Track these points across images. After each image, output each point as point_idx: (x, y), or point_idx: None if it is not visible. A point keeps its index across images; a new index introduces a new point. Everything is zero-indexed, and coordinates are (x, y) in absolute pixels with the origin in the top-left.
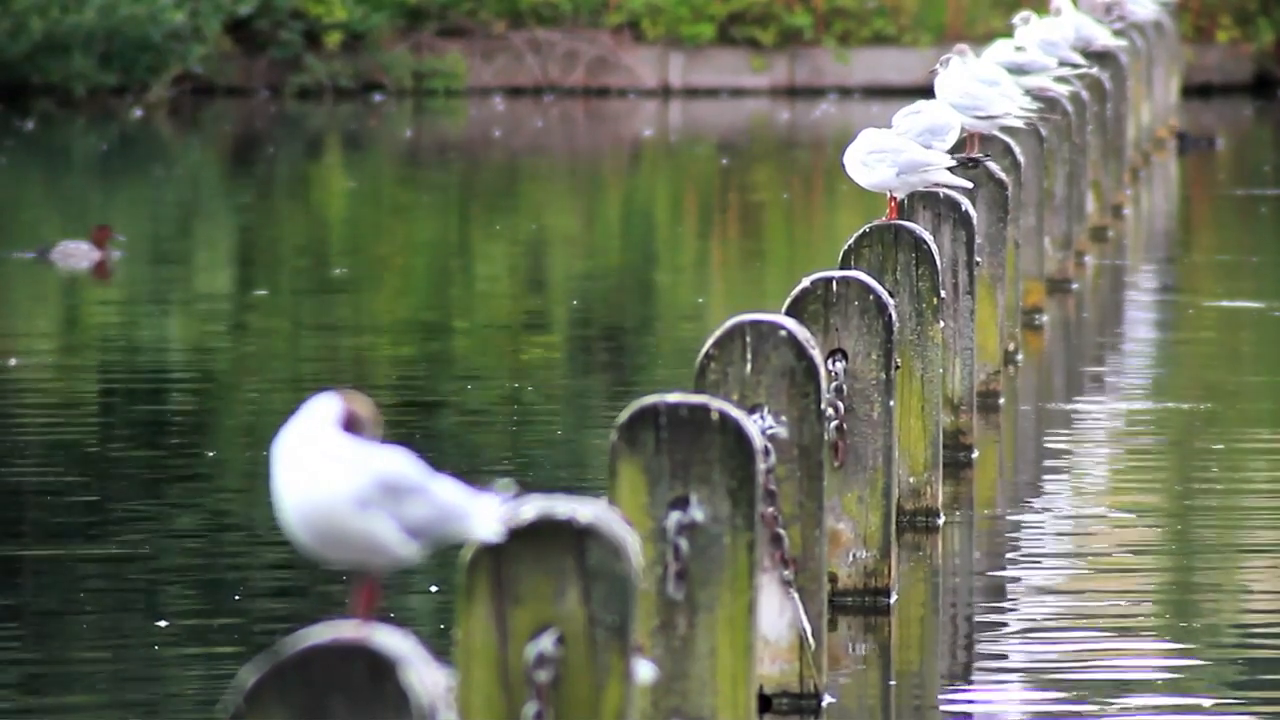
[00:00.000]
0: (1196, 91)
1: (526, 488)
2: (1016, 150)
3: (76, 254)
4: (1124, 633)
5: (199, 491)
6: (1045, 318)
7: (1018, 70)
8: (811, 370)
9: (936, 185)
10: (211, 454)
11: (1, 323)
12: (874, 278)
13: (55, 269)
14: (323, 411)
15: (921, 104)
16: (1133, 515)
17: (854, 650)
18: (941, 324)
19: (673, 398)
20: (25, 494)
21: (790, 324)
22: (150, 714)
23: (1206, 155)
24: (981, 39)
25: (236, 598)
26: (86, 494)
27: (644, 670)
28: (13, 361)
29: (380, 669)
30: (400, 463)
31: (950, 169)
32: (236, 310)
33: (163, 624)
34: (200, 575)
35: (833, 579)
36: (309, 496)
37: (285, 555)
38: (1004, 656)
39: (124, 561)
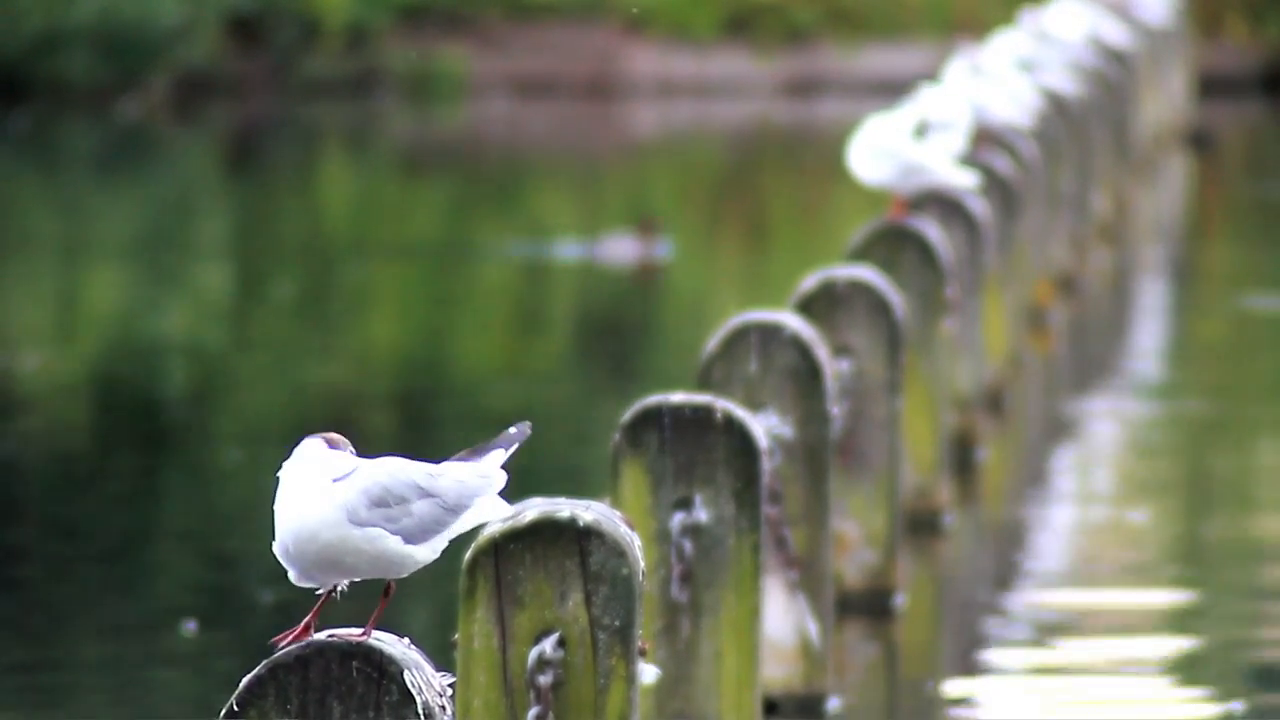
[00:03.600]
0: (1206, 88)
1: (526, 488)
2: (1025, 148)
3: (620, 249)
4: (1132, 634)
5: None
6: (1053, 316)
7: (1027, 67)
8: (817, 370)
9: (940, 185)
10: (209, 456)
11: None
12: (881, 277)
13: (601, 265)
14: (308, 452)
15: (928, 92)
16: (1141, 515)
17: (860, 652)
18: (948, 323)
19: (676, 397)
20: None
21: (796, 323)
22: (151, 715)
23: (1216, 153)
24: (987, 33)
25: (267, 599)
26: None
27: (647, 673)
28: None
29: (379, 671)
30: (389, 471)
31: (953, 169)
32: (238, 310)
33: (191, 627)
34: (210, 577)
35: (838, 580)
36: (301, 526)
37: None
38: (1011, 658)
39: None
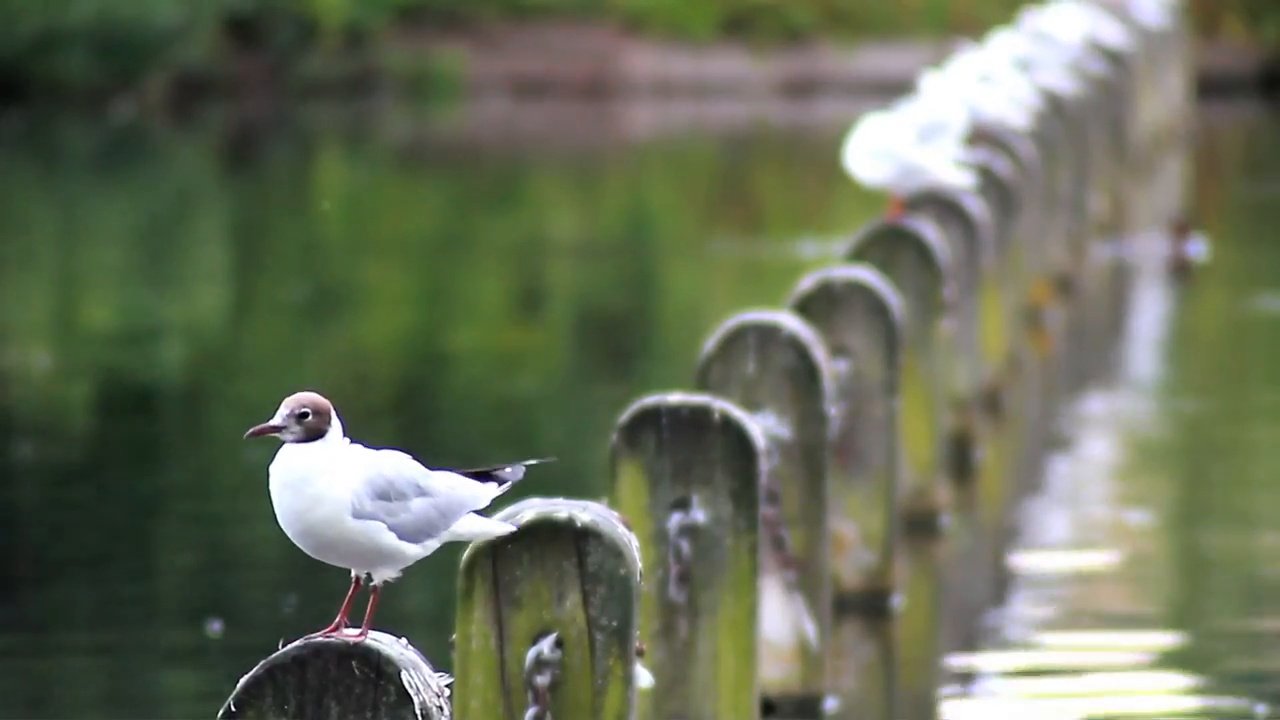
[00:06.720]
0: (1204, 89)
1: (525, 488)
2: (1022, 149)
3: (1152, 247)
4: (1130, 634)
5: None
6: (1051, 317)
7: (1025, 67)
8: (815, 370)
9: (937, 185)
10: (213, 457)
11: None
12: (878, 277)
13: (1132, 264)
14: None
15: (927, 84)
16: (1139, 515)
17: (857, 652)
18: (946, 323)
19: (674, 398)
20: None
21: (794, 324)
22: (150, 715)
23: (1213, 153)
24: (985, 34)
25: (289, 601)
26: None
27: (641, 678)
28: None
29: (377, 671)
30: (395, 466)
31: (950, 169)
32: (237, 309)
33: (216, 627)
34: (223, 575)
35: (836, 581)
36: (303, 508)
37: (301, 561)
38: (1008, 658)
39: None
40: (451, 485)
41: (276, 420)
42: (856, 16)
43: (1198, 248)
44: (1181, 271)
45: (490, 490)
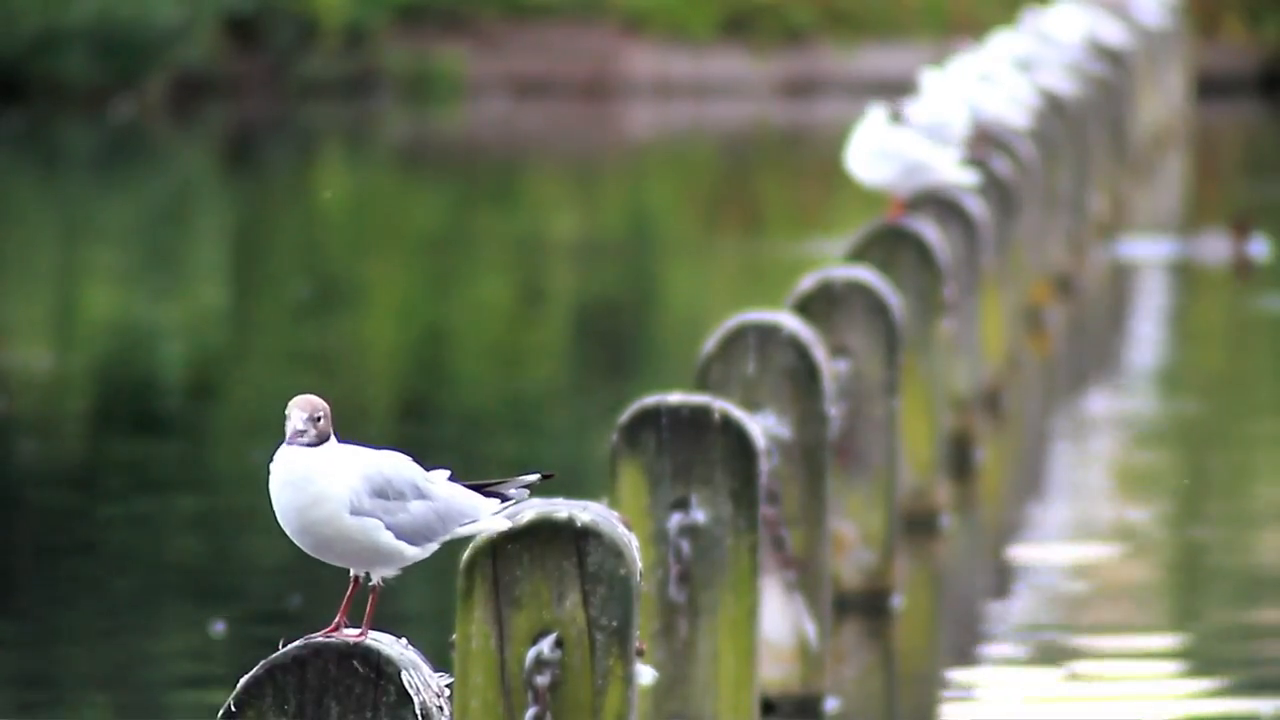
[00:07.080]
0: (1204, 89)
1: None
2: (1022, 149)
3: (1214, 248)
4: (1130, 632)
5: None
6: (1051, 317)
7: (1025, 67)
8: (815, 370)
9: (940, 185)
10: (210, 452)
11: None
12: (878, 277)
13: (1194, 263)
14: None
15: (927, 79)
16: (1139, 514)
17: (857, 652)
18: (946, 323)
19: (674, 398)
20: None
21: (794, 324)
22: (153, 715)
23: (1213, 153)
24: (985, 34)
25: (295, 600)
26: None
27: (644, 674)
28: None
29: (377, 671)
30: (394, 465)
31: (955, 168)
32: (236, 309)
33: (220, 628)
34: (228, 576)
35: (836, 581)
36: (301, 505)
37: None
38: (1008, 658)
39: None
40: (452, 493)
41: (300, 426)
42: (856, 16)
43: (1260, 247)
44: (1243, 271)
45: (492, 505)
